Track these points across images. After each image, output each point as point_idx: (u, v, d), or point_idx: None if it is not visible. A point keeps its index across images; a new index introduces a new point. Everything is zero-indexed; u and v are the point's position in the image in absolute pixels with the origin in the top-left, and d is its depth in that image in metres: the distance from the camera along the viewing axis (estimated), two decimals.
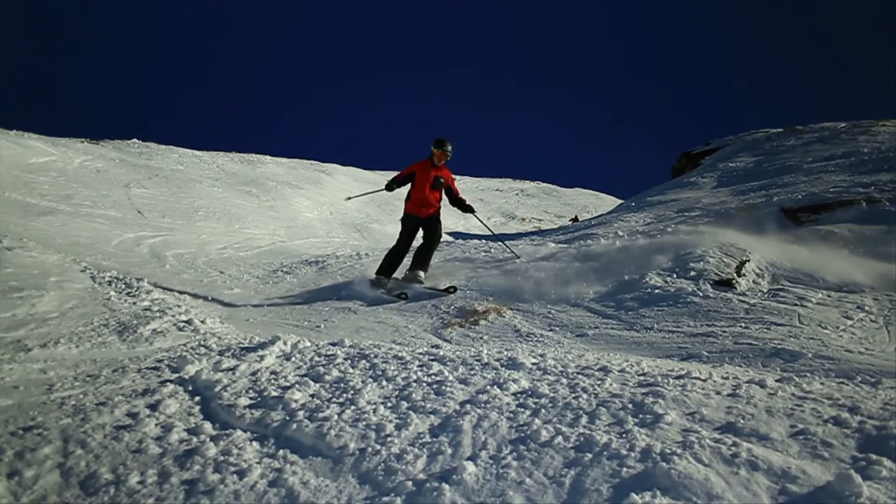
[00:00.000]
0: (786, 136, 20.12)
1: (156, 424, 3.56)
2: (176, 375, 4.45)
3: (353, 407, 3.63)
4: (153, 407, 3.81)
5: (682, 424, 3.13)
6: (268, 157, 32.68)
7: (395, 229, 19.57)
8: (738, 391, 3.64)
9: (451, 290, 8.74)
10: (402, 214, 9.90)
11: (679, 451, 2.76)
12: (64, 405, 3.85)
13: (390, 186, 9.65)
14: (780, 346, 5.78)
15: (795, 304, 7.08)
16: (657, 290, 7.66)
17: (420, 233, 9.84)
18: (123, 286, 7.60)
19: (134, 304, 6.83)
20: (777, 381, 4.00)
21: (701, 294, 7.40)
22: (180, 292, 8.64)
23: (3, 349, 4.94)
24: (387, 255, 9.64)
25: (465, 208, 10.11)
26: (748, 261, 8.39)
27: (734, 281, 7.82)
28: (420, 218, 9.70)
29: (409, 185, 9.71)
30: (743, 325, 6.52)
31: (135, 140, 29.30)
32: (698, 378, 3.98)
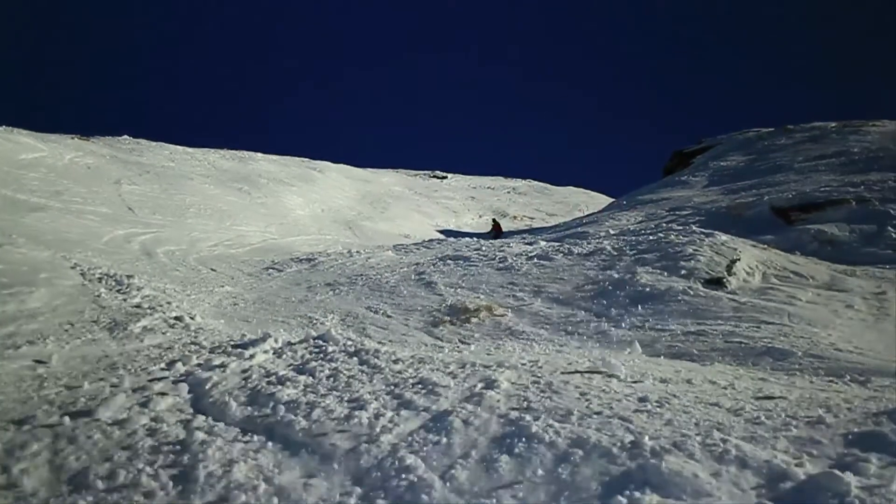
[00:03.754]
0: (777, 135, 20.21)
1: (146, 421, 3.55)
2: (166, 373, 4.44)
3: (344, 404, 3.63)
4: (144, 404, 3.79)
5: (673, 423, 3.14)
6: (259, 154, 32.56)
7: (386, 227, 19.55)
8: (727, 389, 3.65)
9: None
10: None
11: (669, 447, 2.76)
12: (54, 402, 3.83)
13: None
14: (770, 345, 5.79)
15: (785, 303, 7.10)
16: (647, 289, 7.67)
17: None
18: (114, 283, 7.58)
19: (124, 300, 6.81)
20: (766, 378, 4.02)
21: (692, 292, 7.42)
22: (171, 289, 8.61)
23: None
24: None
25: None
26: (738, 259, 8.41)
27: (725, 279, 7.84)
28: None
29: None
30: (733, 323, 6.54)
31: (126, 136, 29.14)
32: (686, 380, 4.00)
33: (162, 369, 4.54)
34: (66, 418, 3.55)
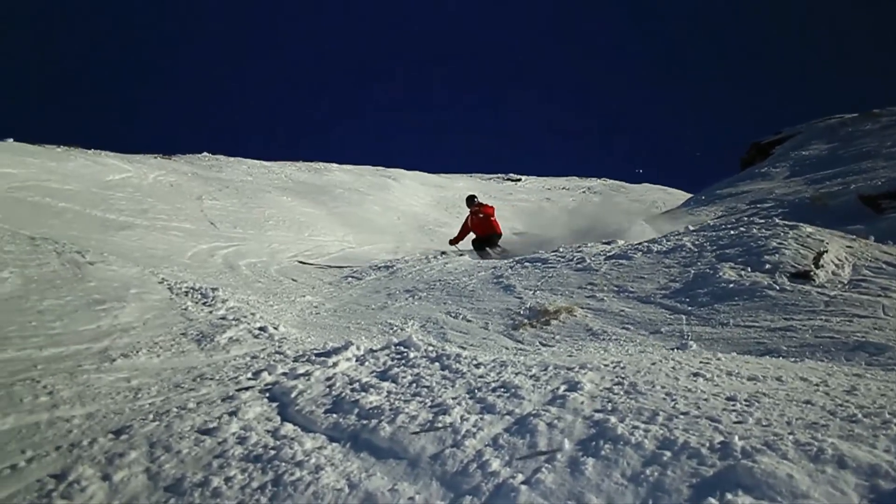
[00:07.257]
0: (861, 121, 19.45)
1: (236, 430, 3.65)
2: (253, 382, 4.55)
3: (428, 409, 3.66)
4: (233, 413, 3.90)
5: (764, 422, 3.05)
6: (334, 165, 33.04)
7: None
8: (819, 386, 3.54)
9: None
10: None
11: (762, 447, 2.69)
12: (148, 412, 3.98)
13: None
14: (864, 339, 5.57)
15: (879, 295, 6.82)
16: (731, 284, 7.48)
17: None
18: (199, 296, 7.80)
19: (210, 313, 7.00)
20: (861, 374, 3.88)
21: (777, 287, 7.19)
22: (254, 300, 8.83)
23: (90, 359, 5.12)
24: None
25: None
26: (826, 251, 8.11)
27: (812, 273, 7.57)
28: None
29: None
30: (823, 318, 6.31)
31: (205, 153, 29.90)
32: (776, 377, 3.88)
33: (249, 379, 4.66)
34: (161, 427, 3.68)
